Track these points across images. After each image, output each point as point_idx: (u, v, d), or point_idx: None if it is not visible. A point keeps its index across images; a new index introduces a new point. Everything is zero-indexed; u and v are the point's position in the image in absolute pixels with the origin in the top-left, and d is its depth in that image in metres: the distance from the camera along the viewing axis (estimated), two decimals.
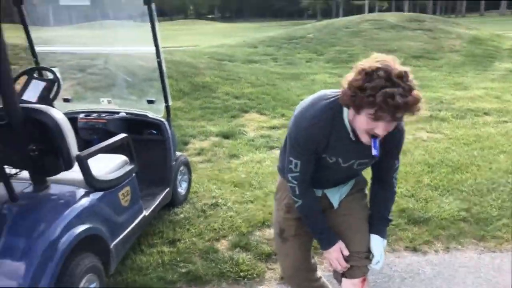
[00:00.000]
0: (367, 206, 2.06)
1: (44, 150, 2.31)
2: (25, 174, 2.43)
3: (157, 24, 3.26)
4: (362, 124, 1.63)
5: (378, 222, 1.99)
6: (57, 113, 2.33)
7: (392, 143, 1.83)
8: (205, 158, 5.39)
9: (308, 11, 65.11)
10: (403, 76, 1.53)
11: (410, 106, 1.53)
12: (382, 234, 1.98)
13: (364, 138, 1.67)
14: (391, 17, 17.43)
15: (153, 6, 3.20)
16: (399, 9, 49.77)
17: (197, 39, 21.11)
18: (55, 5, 3.46)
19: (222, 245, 3.32)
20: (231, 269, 3.00)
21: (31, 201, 2.36)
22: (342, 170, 1.90)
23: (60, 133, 2.29)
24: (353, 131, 1.72)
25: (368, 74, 1.54)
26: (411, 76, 1.55)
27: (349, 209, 2.04)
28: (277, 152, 5.49)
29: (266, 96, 8.37)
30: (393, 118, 1.56)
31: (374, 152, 1.65)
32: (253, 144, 5.86)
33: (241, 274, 2.95)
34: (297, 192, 1.90)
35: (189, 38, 19.86)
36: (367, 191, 2.11)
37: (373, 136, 1.64)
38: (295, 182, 1.89)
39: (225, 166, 5.01)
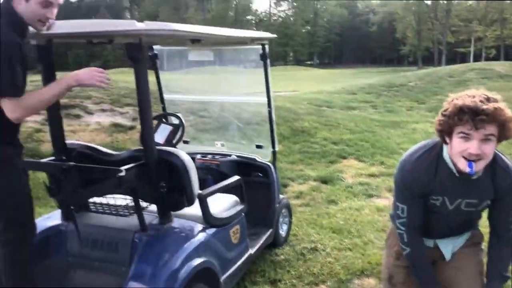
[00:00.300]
0: (482, 262, 2.04)
1: (171, 187, 2.63)
2: (152, 207, 2.76)
3: (270, 77, 3.57)
4: (456, 148, 1.72)
5: (494, 278, 1.96)
6: (185, 155, 2.65)
7: (504, 189, 1.83)
8: (304, 202, 5.53)
9: (409, 57, 63.85)
10: (488, 97, 1.68)
11: (491, 114, 1.62)
12: None
13: (461, 164, 1.73)
14: (500, 66, 16.63)
15: (268, 61, 3.53)
16: (509, 57, 46.89)
17: (296, 84, 21.74)
18: (183, 58, 3.93)
19: None
20: None
21: (157, 232, 2.67)
22: (451, 215, 1.92)
23: (187, 173, 2.60)
24: (455, 165, 1.79)
25: (455, 100, 1.73)
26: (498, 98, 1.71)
27: (462, 263, 2.03)
28: (376, 201, 5.50)
29: (365, 143, 8.38)
30: (476, 127, 1.64)
31: (468, 169, 1.70)
32: (351, 191, 5.90)
33: None
34: (405, 240, 1.96)
35: (289, 83, 20.54)
36: (483, 246, 2.10)
37: (469, 160, 1.71)
38: (403, 229, 1.95)
39: (323, 211, 5.11)
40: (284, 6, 76.56)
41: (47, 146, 6.69)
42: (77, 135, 7.41)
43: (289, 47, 69.16)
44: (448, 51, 56.52)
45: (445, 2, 58.21)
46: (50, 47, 2.62)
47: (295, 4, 73.70)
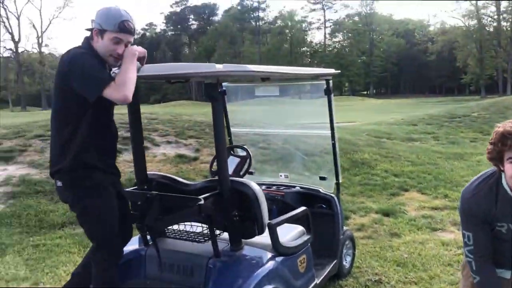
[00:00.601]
0: None
1: (243, 216, 2.79)
2: (224, 235, 2.92)
3: (334, 111, 3.70)
4: (508, 173, 1.80)
5: None
6: (256, 186, 2.82)
7: None
8: (366, 234, 5.51)
9: (470, 87, 61.76)
10: None
11: None
12: None
13: None
14: None
15: (332, 96, 3.67)
16: None
17: (353, 115, 21.66)
18: (250, 92, 4.17)
19: None
20: None
21: (230, 258, 2.82)
22: None
23: (258, 203, 2.76)
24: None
25: (498, 128, 1.88)
26: None
27: None
28: (440, 235, 5.38)
29: (427, 176, 8.22)
30: None
31: None
32: (414, 224, 5.81)
33: None
34: (474, 268, 1.98)
35: (345, 114, 20.52)
36: None
37: None
38: (471, 256, 1.97)
39: (386, 244, 5.06)
40: (339, 37, 76.97)
41: (122, 178, 7.12)
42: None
43: (344, 77, 69.01)
44: None
45: (508, 28, 56.20)
46: (136, 87, 2.91)
47: (350, 35, 73.88)
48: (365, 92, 73.52)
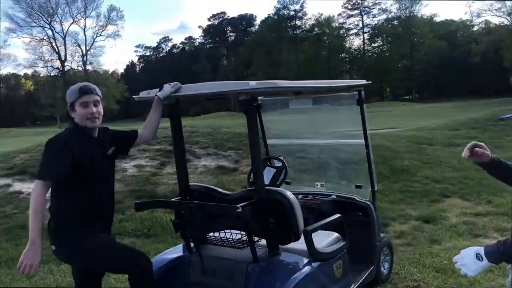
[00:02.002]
0: None
1: (279, 223, 2.94)
2: (262, 242, 3.08)
3: (367, 119, 3.81)
4: None
5: None
6: (291, 194, 2.97)
7: None
8: (405, 241, 5.52)
9: None
10: None
11: None
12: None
13: None
14: None
15: (364, 106, 3.78)
16: None
17: (395, 121, 21.35)
18: (285, 105, 4.33)
19: None
20: None
21: (268, 263, 2.98)
22: None
23: (293, 210, 2.91)
24: None
25: None
26: None
27: None
28: (482, 241, 5.32)
29: (470, 181, 8.08)
30: None
31: None
32: (455, 230, 5.77)
33: None
34: None
35: (386, 120, 20.25)
36: None
37: None
38: None
39: (426, 251, 5.07)
40: (379, 42, 75.89)
41: (162, 188, 7.45)
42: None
43: (385, 82, 67.88)
44: None
45: None
46: (177, 105, 3.15)
47: (389, 39, 72.73)
48: (407, 97, 71.94)
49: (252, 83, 2.59)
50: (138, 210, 3.32)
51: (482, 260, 1.95)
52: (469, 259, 1.97)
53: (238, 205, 2.68)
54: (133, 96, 3.14)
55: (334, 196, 4.18)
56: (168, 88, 2.95)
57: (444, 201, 7.18)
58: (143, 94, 3.08)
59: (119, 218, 6.40)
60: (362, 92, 3.78)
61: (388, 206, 6.95)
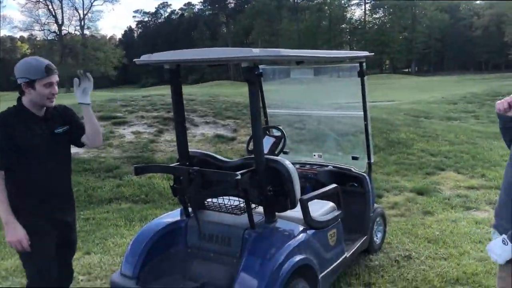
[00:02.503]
0: None
1: (277, 191, 3.00)
2: (259, 209, 3.14)
3: (367, 92, 3.82)
4: None
5: None
6: (289, 163, 3.01)
7: None
8: (399, 212, 5.62)
9: None
10: None
11: None
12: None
13: None
14: None
15: (365, 78, 3.78)
16: None
17: (393, 94, 21.31)
18: (286, 74, 4.33)
19: None
20: None
21: (264, 230, 3.04)
22: None
23: (291, 179, 2.95)
24: None
25: None
26: None
27: None
28: (474, 213, 5.43)
29: (465, 155, 8.17)
30: None
31: None
32: (448, 202, 5.87)
33: None
34: None
35: (385, 93, 20.21)
36: None
37: None
38: None
39: (418, 222, 5.17)
40: (380, 13, 74.79)
41: (159, 155, 7.50)
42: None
43: (385, 54, 67.24)
44: None
45: None
46: (178, 71, 3.15)
47: (391, 10, 71.65)
48: (407, 70, 71.50)
49: (255, 51, 2.58)
50: (138, 174, 3.35)
51: (507, 244, 2.02)
52: (496, 246, 2.06)
53: (238, 172, 2.72)
54: (134, 60, 3.12)
55: (330, 167, 4.23)
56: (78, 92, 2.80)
57: (439, 174, 7.27)
58: (144, 57, 3.06)
59: (117, 183, 6.48)
60: (364, 64, 3.78)
61: (383, 177, 7.03)
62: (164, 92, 12.93)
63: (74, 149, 7.55)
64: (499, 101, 2.23)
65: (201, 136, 8.46)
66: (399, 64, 73.04)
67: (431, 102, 14.93)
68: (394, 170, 7.49)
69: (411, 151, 8.54)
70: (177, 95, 3.18)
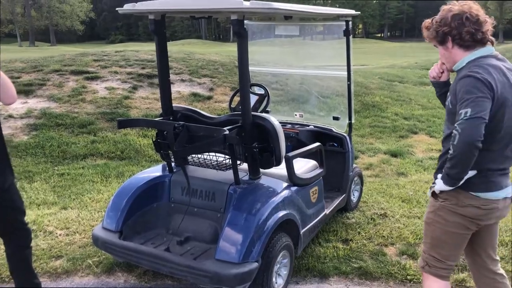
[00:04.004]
0: None
1: (262, 148, 2.99)
2: (244, 166, 3.14)
3: (351, 52, 3.80)
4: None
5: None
6: (275, 121, 3.00)
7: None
8: (373, 173, 5.76)
9: None
10: None
11: None
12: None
13: None
14: None
15: (351, 37, 3.75)
16: None
17: (366, 58, 21.41)
18: (270, 32, 4.24)
19: (390, 251, 3.67)
20: (399, 272, 3.34)
21: (249, 186, 3.06)
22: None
23: (277, 136, 2.95)
24: None
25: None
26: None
27: None
28: None
29: (437, 119, 8.36)
30: None
31: None
32: (421, 164, 6.04)
33: (408, 277, 3.28)
34: None
35: (358, 57, 20.27)
36: None
37: None
38: None
39: (393, 182, 5.31)
40: None
41: (134, 112, 7.35)
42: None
43: (358, 18, 66.98)
44: None
45: None
46: (163, 21, 3.04)
47: None
48: (379, 35, 71.68)
49: (246, 3, 2.50)
50: (121, 127, 3.27)
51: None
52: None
53: (225, 128, 2.69)
54: (117, 9, 2.98)
55: (312, 127, 4.25)
56: None
57: (412, 137, 7.44)
58: (128, 6, 2.93)
59: (91, 139, 6.35)
60: (350, 22, 3.74)
61: (358, 139, 7.14)
62: (138, 48, 12.55)
63: (46, 104, 7.32)
64: (431, 69, 2.41)
65: (177, 94, 8.31)
66: (372, 29, 73.10)
67: (405, 67, 15.09)
68: (369, 132, 7.61)
69: (385, 114, 8.67)
70: (161, 47, 3.09)
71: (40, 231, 3.88)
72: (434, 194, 2.24)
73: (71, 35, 67.04)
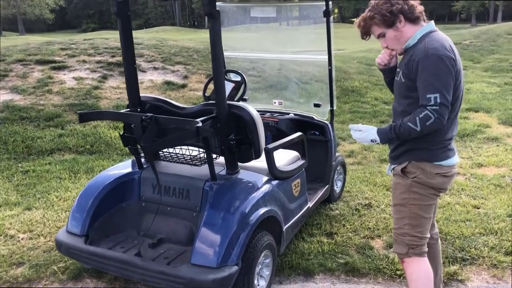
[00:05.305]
0: None
1: (240, 140, 2.75)
2: (220, 159, 2.89)
3: (332, 35, 3.56)
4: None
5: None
6: (253, 110, 2.75)
7: None
8: (356, 160, 5.58)
9: (461, 14, 60.44)
10: None
11: None
12: (380, 129, 2.26)
13: None
14: None
15: (331, 19, 3.51)
16: None
17: (343, 43, 21.23)
18: (245, 14, 3.96)
19: (377, 244, 3.50)
20: (387, 267, 3.16)
21: (226, 182, 2.81)
22: None
23: (255, 127, 2.70)
24: None
25: None
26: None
27: None
28: None
29: None
30: None
31: None
32: None
33: (397, 272, 3.10)
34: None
35: (335, 41, 20.08)
36: None
37: None
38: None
39: (375, 170, 5.14)
40: None
41: (104, 103, 6.99)
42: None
43: (333, 3, 66.75)
44: (505, 7, 53.10)
45: None
46: (127, 2, 2.73)
47: None
48: (354, 19, 71.57)
49: None
50: (82, 121, 2.93)
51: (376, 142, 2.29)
52: (365, 139, 2.31)
53: (198, 120, 2.43)
54: None
55: (292, 115, 4.02)
56: None
57: None
58: None
59: (59, 133, 5.98)
60: (330, 2, 3.49)
61: (338, 126, 6.95)
62: (107, 36, 12.07)
63: (8, 96, 6.90)
64: (378, 57, 2.45)
65: (150, 83, 7.97)
66: (347, 13, 73.00)
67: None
68: (349, 118, 7.43)
69: (365, 99, 8.51)
70: (126, 31, 2.79)
71: (0, 235, 3.57)
72: (403, 171, 2.29)
73: (40, 24, 65.01)
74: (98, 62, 8.35)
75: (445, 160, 2.24)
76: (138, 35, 15.59)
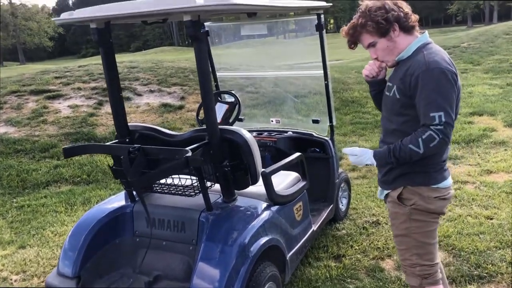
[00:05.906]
0: None
1: (235, 166, 2.59)
2: (216, 187, 2.72)
3: (326, 49, 3.42)
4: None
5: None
6: (247, 133, 2.59)
7: None
8: (360, 174, 5.40)
9: (457, 17, 60.58)
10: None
11: None
12: (376, 152, 2.07)
13: None
14: None
15: (324, 32, 3.37)
16: None
17: (340, 53, 21.16)
18: (236, 33, 3.84)
19: (388, 265, 3.31)
20: None
21: (223, 211, 2.65)
22: None
23: (250, 151, 2.55)
24: None
25: None
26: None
27: None
28: None
29: None
30: None
31: None
32: None
33: None
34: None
35: (332, 52, 19.99)
36: None
37: None
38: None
39: None
40: None
41: (101, 130, 6.88)
42: (129, 117, 7.54)
43: (329, 14, 67.12)
44: (500, 7, 53.18)
45: None
46: (108, 29, 2.61)
47: None
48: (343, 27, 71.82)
49: (199, 1, 2.10)
50: (68, 156, 2.79)
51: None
52: (361, 164, 2.12)
53: (188, 148, 2.28)
54: (53, 19, 2.54)
55: (290, 133, 3.86)
56: None
57: None
58: (64, 15, 2.49)
59: (54, 164, 5.85)
60: (322, 16, 3.36)
61: (340, 138, 6.80)
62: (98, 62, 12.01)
63: (3, 129, 6.80)
64: (366, 68, 2.22)
65: (146, 106, 7.86)
66: (343, 23, 73.29)
67: None
68: (351, 130, 7.27)
69: (366, 109, 8.36)
70: (108, 59, 2.65)
71: None
72: (400, 198, 2.12)
73: (40, 52, 65.53)
74: (93, 88, 8.26)
75: (442, 182, 2.08)
76: (136, 58, 15.59)
